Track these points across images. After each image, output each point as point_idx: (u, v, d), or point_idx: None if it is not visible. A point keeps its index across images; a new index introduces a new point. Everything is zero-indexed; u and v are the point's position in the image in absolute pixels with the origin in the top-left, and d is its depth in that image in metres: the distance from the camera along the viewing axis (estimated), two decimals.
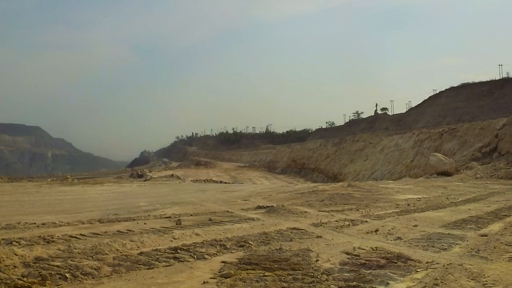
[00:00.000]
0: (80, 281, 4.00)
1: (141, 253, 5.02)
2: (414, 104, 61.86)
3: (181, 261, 4.76)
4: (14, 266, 4.32)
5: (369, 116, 71.21)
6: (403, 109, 65.34)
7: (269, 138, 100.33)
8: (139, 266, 4.52)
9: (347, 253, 5.07)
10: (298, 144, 58.81)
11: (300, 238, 6.10)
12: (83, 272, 4.18)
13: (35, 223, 7.38)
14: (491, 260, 4.69)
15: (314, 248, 5.35)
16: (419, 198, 11.76)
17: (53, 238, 5.95)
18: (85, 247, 5.17)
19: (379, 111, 70.67)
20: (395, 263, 4.57)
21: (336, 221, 7.72)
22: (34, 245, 5.45)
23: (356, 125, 69.83)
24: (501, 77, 49.81)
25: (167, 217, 8.32)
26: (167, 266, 4.58)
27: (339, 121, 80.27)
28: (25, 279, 3.92)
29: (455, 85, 53.94)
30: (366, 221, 7.72)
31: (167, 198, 13.54)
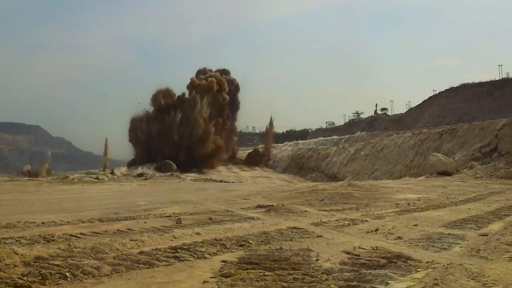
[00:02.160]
0: (80, 280, 4.00)
1: (141, 252, 5.02)
2: (414, 104, 61.76)
3: (181, 261, 4.76)
4: (14, 265, 4.32)
5: (369, 116, 71.09)
6: (403, 109, 65.21)
7: None
8: (139, 265, 4.52)
9: (347, 253, 5.07)
10: (300, 142, 58.70)
11: (300, 238, 6.10)
12: (83, 271, 4.18)
13: (35, 222, 7.37)
14: (491, 260, 4.69)
15: (314, 248, 5.35)
16: (419, 197, 11.77)
17: (53, 237, 5.94)
18: (85, 246, 5.16)
19: (379, 111, 70.57)
20: (395, 262, 4.57)
21: (336, 220, 7.73)
22: (34, 244, 5.45)
23: (356, 125, 69.72)
24: (501, 77, 49.76)
25: (167, 216, 8.32)
26: (167, 265, 4.58)
27: (339, 121, 79.98)
28: (25, 278, 3.92)
29: (455, 85, 53.88)
30: (366, 221, 7.72)
31: (167, 197, 13.55)
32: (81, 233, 6.25)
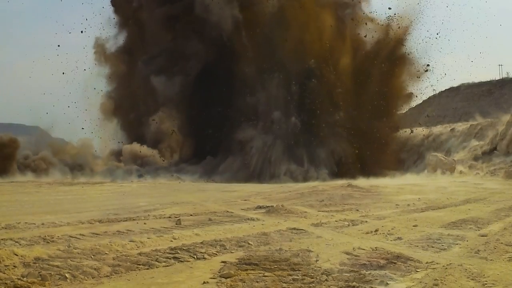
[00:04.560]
0: (80, 281, 4.00)
1: (141, 253, 5.02)
2: (414, 104, 61.72)
3: (181, 261, 4.76)
4: (14, 266, 4.32)
5: None
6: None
7: None
8: (139, 266, 4.53)
9: (347, 253, 5.07)
10: None
11: (300, 238, 6.10)
12: (83, 272, 4.18)
13: (34, 223, 7.36)
14: (491, 260, 4.70)
15: (314, 248, 5.35)
16: (419, 198, 11.77)
17: (53, 238, 5.95)
18: (85, 247, 5.17)
19: None
20: (395, 263, 4.58)
21: (336, 221, 7.73)
22: (34, 245, 5.45)
23: None
24: (501, 77, 49.86)
25: (167, 217, 8.32)
26: (167, 266, 4.58)
27: None
28: (25, 279, 3.92)
29: (455, 85, 53.92)
30: (366, 221, 7.73)
31: (167, 198, 13.53)
32: (80, 234, 6.25)
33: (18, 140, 26.34)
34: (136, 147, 27.39)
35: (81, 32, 29.81)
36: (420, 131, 30.63)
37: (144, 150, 27.22)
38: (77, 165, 26.86)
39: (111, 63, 32.21)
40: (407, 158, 29.14)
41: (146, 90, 28.42)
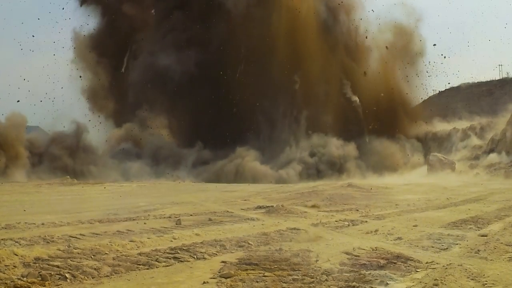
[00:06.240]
0: (80, 281, 4.01)
1: (141, 253, 5.02)
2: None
3: (181, 261, 4.76)
4: (14, 266, 4.32)
5: None
6: None
7: None
8: (139, 266, 4.53)
9: (347, 253, 5.07)
10: None
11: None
12: (83, 272, 4.18)
13: (34, 223, 7.37)
14: (491, 260, 4.69)
15: (314, 248, 5.35)
16: (419, 198, 11.77)
17: (53, 238, 5.95)
18: (85, 247, 5.17)
19: None
20: (395, 263, 4.57)
21: (336, 221, 7.73)
22: (34, 245, 5.45)
23: None
24: (501, 77, 49.83)
25: (167, 217, 8.32)
26: (167, 266, 4.58)
27: None
28: (25, 279, 3.92)
29: (455, 85, 53.86)
30: (366, 221, 7.72)
31: (167, 198, 13.53)
32: (80, 234, 6.25)
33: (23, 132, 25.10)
34: (129, 127, 26.53)
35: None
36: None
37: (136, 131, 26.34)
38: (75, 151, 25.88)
39: (90, 58, 29.75)
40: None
41: (147, 75, 26.95)
